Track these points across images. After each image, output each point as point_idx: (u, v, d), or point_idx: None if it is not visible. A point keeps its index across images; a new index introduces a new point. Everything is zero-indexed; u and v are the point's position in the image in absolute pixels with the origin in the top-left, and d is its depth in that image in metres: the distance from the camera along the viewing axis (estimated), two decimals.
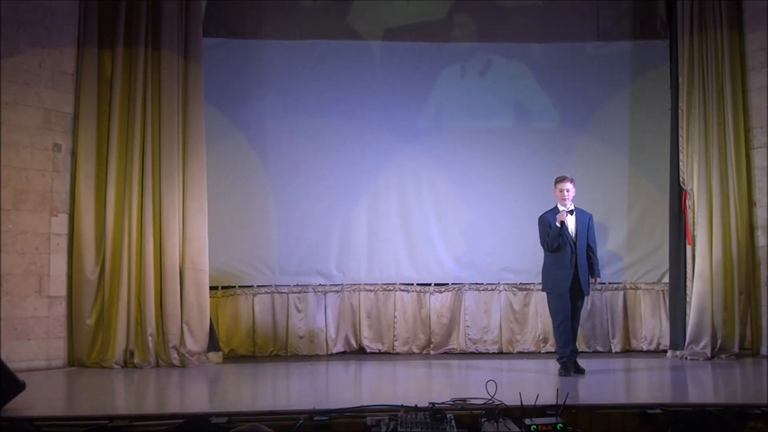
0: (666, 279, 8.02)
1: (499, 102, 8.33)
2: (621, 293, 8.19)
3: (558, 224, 6.44)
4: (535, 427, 4.01)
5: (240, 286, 8.05)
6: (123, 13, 7.35)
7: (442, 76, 8.33)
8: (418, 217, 8.23)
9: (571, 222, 6.57)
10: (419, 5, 8.37)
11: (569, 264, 6.48)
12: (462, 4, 8.41)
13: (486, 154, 8.25)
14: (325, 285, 8.10)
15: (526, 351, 8.06)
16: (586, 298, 6.70)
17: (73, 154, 7.26)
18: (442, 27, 8.40)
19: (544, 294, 8.04)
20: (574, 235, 6.55)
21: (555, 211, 6.56)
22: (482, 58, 8.37)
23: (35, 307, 6.95)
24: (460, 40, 8.39)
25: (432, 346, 8.10)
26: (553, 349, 8.06)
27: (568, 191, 6.54)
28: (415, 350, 8.09)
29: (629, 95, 8.35)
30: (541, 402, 4.33)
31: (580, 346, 8.06)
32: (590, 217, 6.69)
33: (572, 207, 6.58)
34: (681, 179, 7.73)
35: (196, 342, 7.25)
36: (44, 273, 7.02)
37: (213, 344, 7.46)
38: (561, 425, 4.02)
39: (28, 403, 4.90)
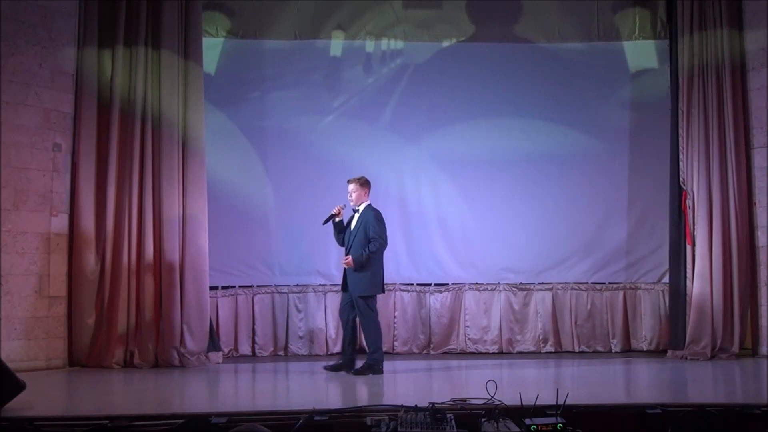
0: (666, 279, 8.03)
1: (499, 102, 8.31)
2: (621, 293, 8.19)
3: (330, 215, 6.70)
4: (535, 427, 4.01)
5: (240, 286, 8.05)
6: (123, 13, 7.36)
7: (442, 76, 8.31)
8: (418, 216, 8.23)
9: (353, 222, 6.70)
10: (415, 5, 8.37)
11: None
12: (461, 4, 8.40)
13: (485, 154, 8.25)
14: (325, 285, 8.10)
15: (526, 351, 8.05)
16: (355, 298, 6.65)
17: (73, 154, 7.26)
18: (441, 27, 8.41)
19: (545, 294, 8.17)
20: (349, 234, 6.68)
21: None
22: (482, 59, 8.35)
23: (35, 307, 6.95)
24: (459, 40, 8.39)
25: (432, 346, 8.11)
26: (553, 349, 8.09)
27: (349, 192, 6.75)
28: (415, 350, 8.09)
29: (629, 95, 8.35)
30: (541, 402, 4.33)
31: (580, 346, 8.10)
32: (370, 214, 6.66)
33: (357, 207, 6.71)
34: (681, 179, 7.73)
35: (196, 342, 7.25)
36: (44, 273, 7.02)
37: (213, 344, 7.45)
38: (561, 425, 4.01)
39: (28, 403, 4.90)
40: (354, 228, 6.68)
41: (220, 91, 8.10)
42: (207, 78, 7.93)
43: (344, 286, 6.71)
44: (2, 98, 6.80)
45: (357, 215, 6.72)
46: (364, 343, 6.87)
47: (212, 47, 8.06)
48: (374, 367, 6.52)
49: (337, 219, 6.76)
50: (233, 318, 7.97)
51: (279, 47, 8.23)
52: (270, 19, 8.21)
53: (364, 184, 6.78)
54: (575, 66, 8.39)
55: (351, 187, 6.75)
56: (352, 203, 6.76)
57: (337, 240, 6.87)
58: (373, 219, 6.63)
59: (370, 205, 6.75)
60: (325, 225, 6.86)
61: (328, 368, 6.71)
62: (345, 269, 6.68)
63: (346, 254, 6.68)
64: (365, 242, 6.59)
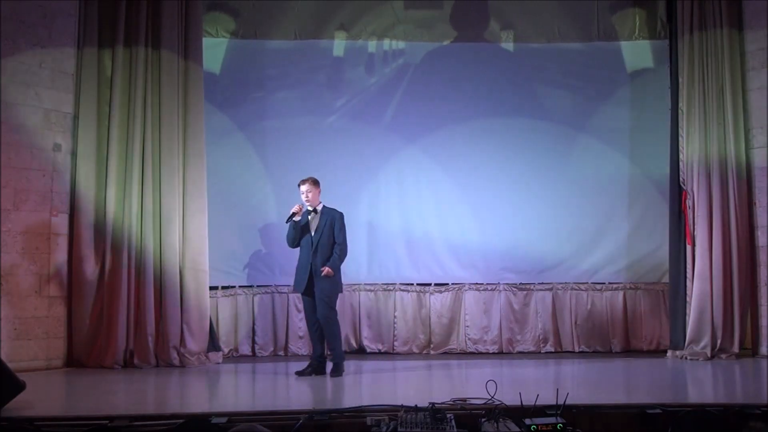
0: (666, 279, 8.02)
1: (499, 102, 8.31)
2: (621, 293, 8.19)
3: (292, 213, 6.62)
4: (535, 427, 4.01)
5: (240, 286, 8.05)
6: (123, 13, 7.36)
7: (442, 76, 8.32)
8: (418, 216, 8.23)
9: (313, 222, 6.68)
10: (416, 5, 8.37)
11: (306, 263, 6.64)
12: (461, 4, 8.41)
13: (486, 155, 8.25)
14: None
15: (526, 351, 8.06)
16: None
17: (73, 154, 7.26)
18: (442, 27, 8.41)
19: (545, 294, 8.17)
20: (313, 235, 6.65)
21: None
22: (482, 58, 8.35)
23: (35, 307, 6.94)
24: (460, 40, 8.39)
25: (432, 346, 8.11)
26: (553, 349, 8.09)
27: (304, 193, 6.69)
28: (415, 350, 8.09)
29: (629, 95, 8.36)
30: (541, 402, 4.33)
31: (580, 346, 8.10)
32: (336, 216, 6.69)
33: (312, 207, 6.69)
34: (681, 179, 7.73)
35: (196, 342, 7.26)
36: (44, 273, 7.02)
37: (213, 344, 7.46)
38: (561, 425, 4.02)
39: (28, 403, 4.90)
40: (318, 228, 6.65)
41: (220, 91, 8.10)
42: (212, 78, 7.96)
43: (307, 290, 6.64)
44: (2, 98, 6.81)
45: (318, 216, 6.69)
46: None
47: (217, 47, 8.07)
48: (341, 365, 6.53)
49: (295, 219, 6.71)
50: (233, 318, 7.98)
51: (281, 47, 8.24)
52: (270, 20, 8.22)
53: (317, 184, 6.76)
54: (575, 66, 8.39)
55: (305, 188, 6.70)
56: (308, 203, 6.70)
57: (293, 240, 6.74)
58: (341, 222, 6.68)
59: (325, 206, 6.75)
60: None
61: (299, 373, 6.55)
62: (311, 271, 6.58)
63: (313, 253, 6.59)
64: (332, 241, 6.63)
